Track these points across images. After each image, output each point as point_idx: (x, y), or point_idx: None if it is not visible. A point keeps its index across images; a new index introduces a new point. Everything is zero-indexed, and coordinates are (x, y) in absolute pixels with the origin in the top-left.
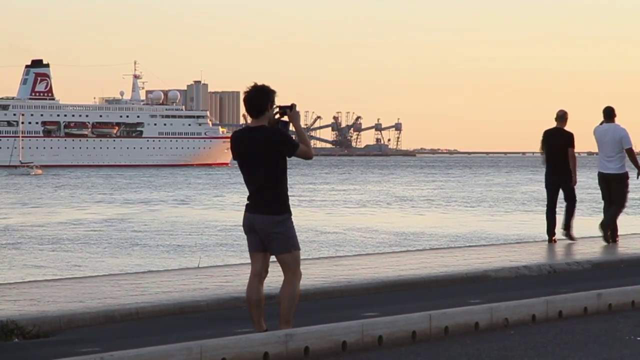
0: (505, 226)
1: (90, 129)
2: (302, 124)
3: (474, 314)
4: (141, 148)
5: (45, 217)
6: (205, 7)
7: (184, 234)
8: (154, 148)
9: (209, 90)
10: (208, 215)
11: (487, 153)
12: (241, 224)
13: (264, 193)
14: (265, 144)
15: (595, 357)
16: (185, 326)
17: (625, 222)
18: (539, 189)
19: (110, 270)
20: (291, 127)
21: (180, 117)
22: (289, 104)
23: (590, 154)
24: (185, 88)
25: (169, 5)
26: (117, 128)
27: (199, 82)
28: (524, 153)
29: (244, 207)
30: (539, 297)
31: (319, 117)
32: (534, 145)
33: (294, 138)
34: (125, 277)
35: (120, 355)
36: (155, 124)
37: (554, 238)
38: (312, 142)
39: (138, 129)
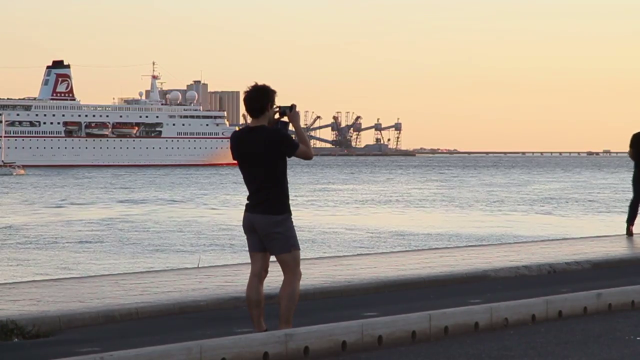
0: (505, 226)
1: (110, 129)
2: (302, 123)
3: (474, 314)
4: (160, 148)
5: (43, 217)
6: (205, 6)
7: (184, 234)
8: (172, 148)
9: (209, 90)
10: (209, 215)
11: (487, 153)
12: (241, 223)
13: (264, 193)
14: (265, 144)
15: (595, 357)
16: (185, 326)
17: (623, 223)
18: (539, 189)
19: (110, 270)
20: (291, 127)
21: (198, 117)
22: (289, 104)
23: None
24: (185, 88)
25: (169, 5)
26: (136, 128)
27: (199, 82)
28: (524, 153)
29: (244, 207)
30: (538, 297)
31: (318, 117)
32: (534, 145)
33: (293, 138)
34: (125, 277)
35: (120, 355)
36: (173, 124)
37: (631, 229)
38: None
39: (157, 129)
